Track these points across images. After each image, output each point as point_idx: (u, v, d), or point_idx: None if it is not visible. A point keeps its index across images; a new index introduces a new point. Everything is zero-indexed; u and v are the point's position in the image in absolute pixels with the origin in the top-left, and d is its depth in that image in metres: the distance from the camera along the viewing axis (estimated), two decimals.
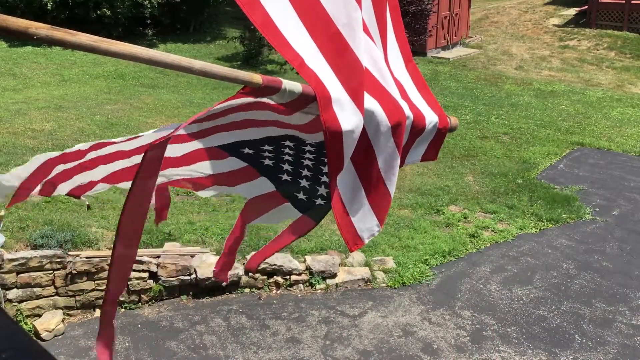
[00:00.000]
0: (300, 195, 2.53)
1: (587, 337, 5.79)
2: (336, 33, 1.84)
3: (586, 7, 21.06)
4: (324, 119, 1.77)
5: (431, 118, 2.34)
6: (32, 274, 5.78)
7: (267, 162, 2.46)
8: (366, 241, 2.21)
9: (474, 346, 5.63)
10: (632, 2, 19.65)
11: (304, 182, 2.49)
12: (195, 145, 2.43)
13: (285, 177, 2.52)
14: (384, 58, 2.18)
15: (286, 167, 2.46)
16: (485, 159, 10.49)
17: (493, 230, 7.90)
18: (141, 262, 6.05)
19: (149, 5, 17.10)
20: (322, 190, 2.48)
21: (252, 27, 17.29)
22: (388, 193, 2.22)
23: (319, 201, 2.52)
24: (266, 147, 2.37)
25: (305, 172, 2.44)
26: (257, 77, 1.61)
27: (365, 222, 2.18)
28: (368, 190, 2.14)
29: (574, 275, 6.90)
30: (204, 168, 2.58)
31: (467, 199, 8.77)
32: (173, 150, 2.44)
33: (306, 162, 2.40)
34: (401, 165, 2.36)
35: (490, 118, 12.91)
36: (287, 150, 2.36)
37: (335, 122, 1.80)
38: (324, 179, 2.41)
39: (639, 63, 17.93)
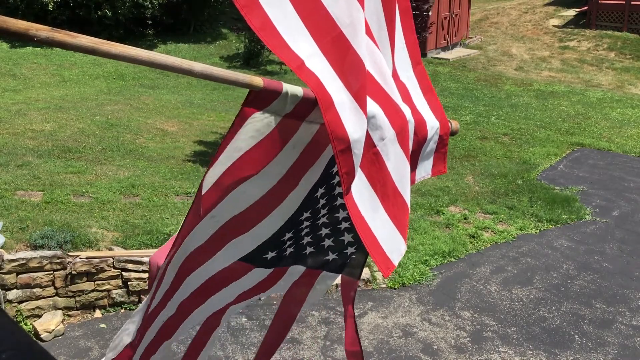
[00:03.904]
0: (330, 256, 2.41)
1: (587, 338, 5.79)
2: (339, 35, 1.79)
3: (586, 7, 21.07)
4: (327, 120, 1.72)
5: (432, 123, 2.28)
6: (32, 274, 5.78)
7: (289, 250, 2.29)
8: (397, 263, 2.04)
9: (474, 347, 5.63)
10: (632, 2, 19.65)
11: (327, 242, 2.36)
12: (214, 266, 2.17)
13: (308, 249, 2.36)
14: (391, 60, 2.13)
15: (306, 240, 2.31)
16: (485, 159, 10.49)
17: (493, 231, 7.90)
18: (141, 263, 6.05)
19: (149, 6, 17.11)
20: (347, 237, 2.36)
21: None
22: (405, 204, 2.09)
23: (349, 250, 2.41)
24: (287, 236, 2.19)
25: (324, 231, 2.30)
26: (257, 80, 1.61)
27: (393, 242, 2.03)
28: (385, 203, 2.00)
29: (574, 276, 6.90)
30: (230, 292, 2.35)
31: (467, 199, 8.77)
32: (193, 281, 2.19)
33: (322, 219, 2.24)
34: (413, 181, 2.24)
35: (490, 119, 12.91)
36: (305, 224, 2.21)
37: (339, 123, 1.75)
38: (344, 225, 2.30)
39: (639, 64, 17.93)
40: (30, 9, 16.14)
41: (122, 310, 6.07)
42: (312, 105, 1.77)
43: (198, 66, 1.50)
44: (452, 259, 7.19)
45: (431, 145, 2.34)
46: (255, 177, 1.85)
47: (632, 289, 6.66)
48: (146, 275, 6.08)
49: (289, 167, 1.90)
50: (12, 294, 5.72)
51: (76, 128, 10.16)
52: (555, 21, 21.74)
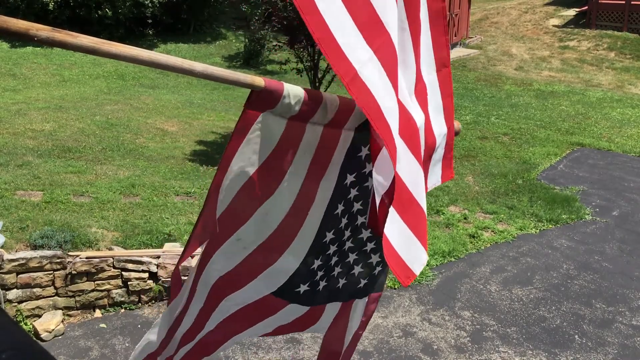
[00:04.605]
0: (362, 283, 2.38)
1: (587, 338, 5.79)
2: (388, 38, 1.78)
3: (586, 7, 21.06)
4: (381, 133, 1.69)
5: (440, 130, 2.26)
6: (32, 274, 5.78)
7: (322, 284, 2.24)
8: (418, 272, 1.98)
9: (474, 347, 5.63)
10: (632, 2, 19.65)
11: (357, 269, 2.32)
12: (247, 296, 2.13)
13: (341, 282, 2.31)
14: (414, 61, 2.10)
15: (337, 270, 2.26)
16: (485, 159, 10.49)
17: (493, 231, 7.90)
18: (141, 263, 6.05)
19: (150, 5, 17.11)
20: (374, 258, 2.33)
21: (253, 26, 17.30)
22: (422, 212, 2.03)
23: (377, 270, 2.38)
24: (316, 264, 2.13)
25: (352, 257, 2.27)
26: (258, 80, 1.60)
27: (411, 251, 1.96)
28: (401, 212, 1.92)
29: (574, 276, 6.90)
30: (267, 325, 2.29)
31: (467, 199, 8.77)
32: (229, 306, 2.14)
33: (347, 244, 2.20)
34: (425, 190, 2.19)
35: (490, 118, 12.91)
36: (331, 250, 2.15)
37: (390, 135, 1.73)
38: (369, 246, 2.26)
39: (639, 64, 17.93)
40: (31, 9, 16.14)
41: (122, 310, 6.07)
42: (316, 105, 1.76)
43: (199, 66, 1.50)
44: (452, 259, 7.19)
45: (439, 151, 2.31)
46: (276, 194, 1.83)
47: (632, 289, 6.66)
48: (146, 275, 6.08)
49: (304, 177, 1.88)
50: (12, 294, 5.72)
51: (76, 128, 10.16)
52: (555, 21, 21.74)
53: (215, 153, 9.73)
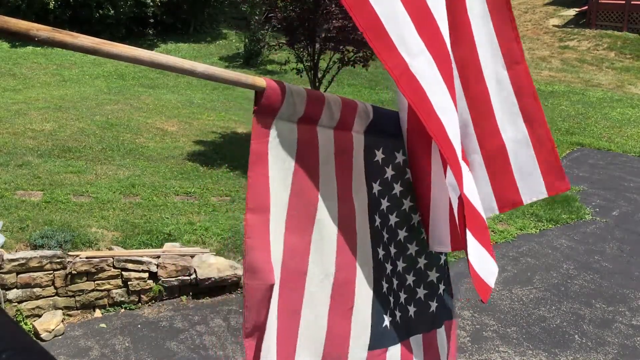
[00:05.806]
0: (432, 306, 2.28)
1: (587, 338, 5.79)
2: (438, 30, 1.72)
3: (586, 7, 21.05)
4: (431, 129, 1.65)
5: (515, 134, 2.11)
6: (32, 274, 5.77)
7: (398, 315, 2.13)
8: (492, 285, 1.93)
9: (474, 346, 5.63)
10: (632, 2, 19.64)
11: (420, 291, 2.24)
12: None
13: (411, 310, 2.21)
14: (452, 61, 1.99)
15: (402, 296, 2.17)
16: None
17: (493, 231, 7.90)
18: (141, 263, 6.05)
19: (151, 4, 17.10)
20: (432, 275, 2.24)
21: (252, 26, 17.28)
22: (484, 220, 1.93)
23: (441, 289, 2.30)
24: (385, 287, 2.05)
25: (410, 278, 2.18)
26: (260, 81, 1.60)
27: (484, 265, 1.89)
28: (470, 226, 1.83)
29: (573, 276, 6.90)
30: None
31: None
32: None
33: (399, 264, 2.13)
34: (518, 204, 2.09)
35: None
36: (388, 269, 2.07)
37: (443, 131, 1.67)
38: (421, 262, 2.18)
39: (639, 64, 17.93)
40: (31, 9, 16.13)
41: (122, 310, 6.07)
42: (319, 104, 1.74)
43: (200, 67, 1.50)
44: (453, 259, 7.18)
45: (524, 159, 2.15)
46: (319, 214, 1.79)
47: (632, 288, 6.66)
48: (146, 275, 6.08)
49: (336, 189, 1.84)
50: (12, 294, 5.72)
51: (76, 128, 10.15)
52: (555, 21, 21.73)
53: (214, 153, 9.72)
